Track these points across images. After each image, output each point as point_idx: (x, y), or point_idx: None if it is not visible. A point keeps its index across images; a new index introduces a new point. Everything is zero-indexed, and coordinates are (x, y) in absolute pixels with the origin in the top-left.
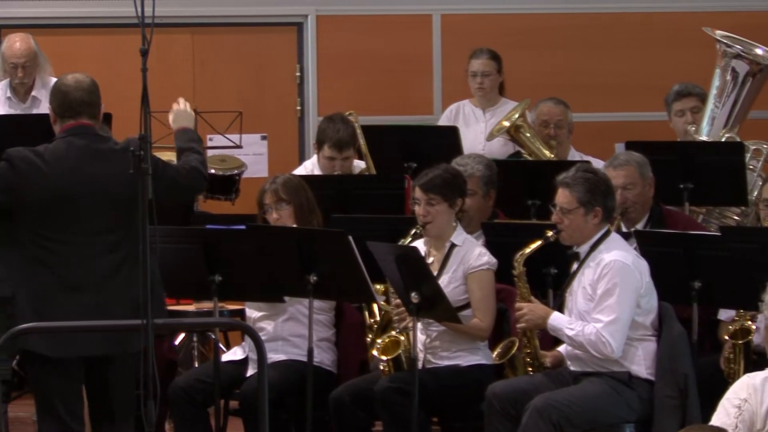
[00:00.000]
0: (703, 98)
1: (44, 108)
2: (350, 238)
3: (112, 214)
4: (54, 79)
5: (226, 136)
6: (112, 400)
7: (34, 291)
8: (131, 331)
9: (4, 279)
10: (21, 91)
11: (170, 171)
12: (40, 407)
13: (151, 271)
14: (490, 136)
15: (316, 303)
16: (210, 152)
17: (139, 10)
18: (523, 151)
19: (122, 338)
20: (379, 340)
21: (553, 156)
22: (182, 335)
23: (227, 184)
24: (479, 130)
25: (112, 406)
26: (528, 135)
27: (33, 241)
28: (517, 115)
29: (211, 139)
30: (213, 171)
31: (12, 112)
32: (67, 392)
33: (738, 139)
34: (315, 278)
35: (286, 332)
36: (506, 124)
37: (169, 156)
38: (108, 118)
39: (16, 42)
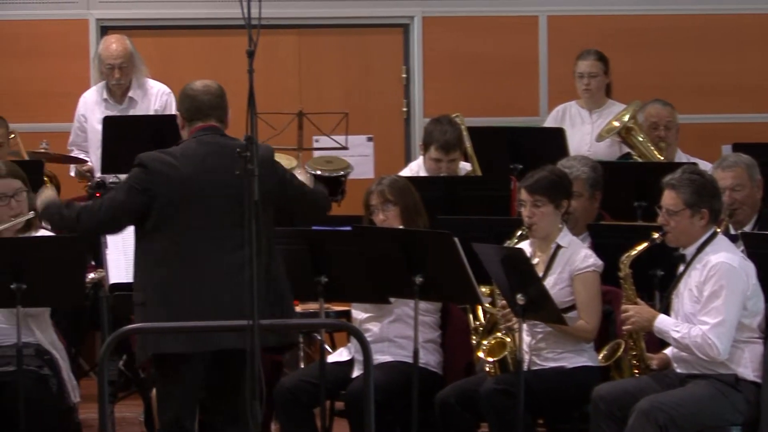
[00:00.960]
0: None
1: (141, 109)
2: (456, 239)
3: (237, 214)
4: (150, 80)
5: (332, 137)
6: (226, 394)
7: (167, 288)
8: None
9: (139, 286)
10: (117, 92)
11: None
12: (162, 401)
13: (276, 269)
14: (600, 138)
15: (422, 304)
16: (316, 153)
17: (246, 11)
18: (633, 153)
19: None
20: (485, 342)
21: (662, 158)
22: None
23: (333, 186)
24: (585, 132)
25: (228, 400)
26: (640, 138)
27: (160, 240)
28: (627, 117)
29: (317, 141)
30: (319, 172)
31: (108, 113)
32: (189, 389)
33: None
34: (421, 279)
35: (392, 333)
36: (616, 125)
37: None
38: None
39: (113, 43)
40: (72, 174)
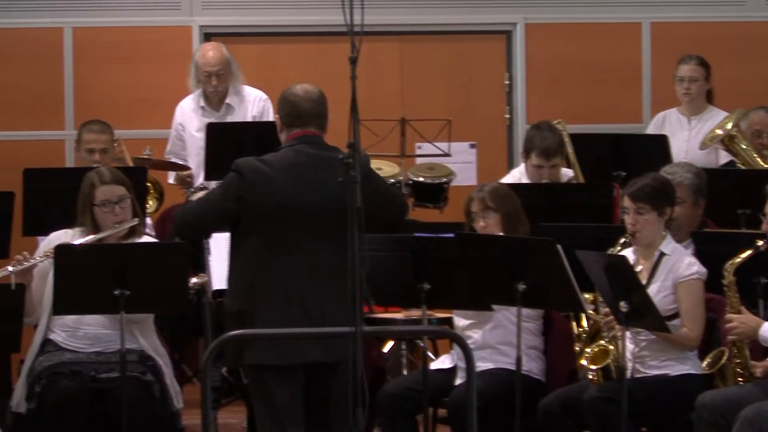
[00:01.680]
0: None
1: (238, 116)
2: (559, 246)
3: (334, 222)
4: (246, 87)
5: (435, 144)
6: (330, 408)
7: (261, 298)
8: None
9: (232, 295)
10: (214, 99)
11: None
12: (261, 411)
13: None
14: (703, 146)
15: (525, 311)
16: (418, 160)
17: (349, 18)
18: (736, 161)
19: (345, 346)
20: (587, 349)
21: (766, 165)
22: (391, 343)
23: (436, 192)
24: (683, 138)
25: (329, 413)
26: (743, 145)
27: (255, 249)
28: (730, 125)
29: (419, 147)
30: (422, 179)
31: (206, 120)
32: (288, 398)
33: None
34: (523, 287)
35: (494, 340)
36: (719, 133)
37: (378, 163)
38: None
39: (209, 51)
40: (171, 181)
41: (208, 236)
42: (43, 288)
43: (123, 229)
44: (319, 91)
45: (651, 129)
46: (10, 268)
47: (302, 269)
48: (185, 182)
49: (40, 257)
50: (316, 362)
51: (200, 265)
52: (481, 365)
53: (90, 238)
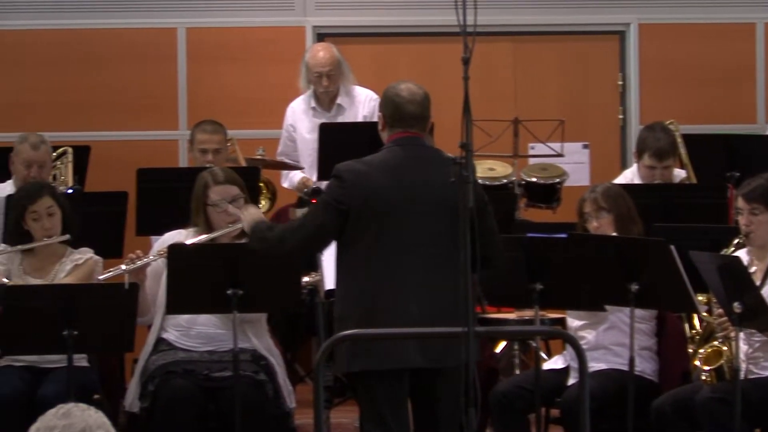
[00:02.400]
0: None
1: (349, 116)
2: (672, 247)
3: (436, 224)
4: (357, 87)
5: (548, 144)
6: (437, 412)
7: (364, 302)
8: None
9: (338, 300)
10: (325, 100)
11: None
12: (366, 416)
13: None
14: None
15: (638, 312)
16: (531, 161)
17: (462, 18)
18: None
19: (448, 352)
20: (701, 351)
21: None
22: (503, 343)
23: (549, 193)
24: None
25: (437, 417)
26: None
27: (358, 252)
28: None
29: (532, 148)
30: (534, 179)
31: (317, 121)
32: (394, 402)
33: None
34: (636, 287)
35: (607, 341)
36: None
37: (491, 164)
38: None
39: (320, 51)
40: (286, 185)
41: (321, 251)
42: (157, 287)
43: (236, 229)
44: (423, 92)
45: None
46: (123, 267)
47: (408, 271)
48: (306, 186)
49: (153, 256)
50: (422, 368)
51: (313, 264)
52: (594, 366)
53: (203, 237)
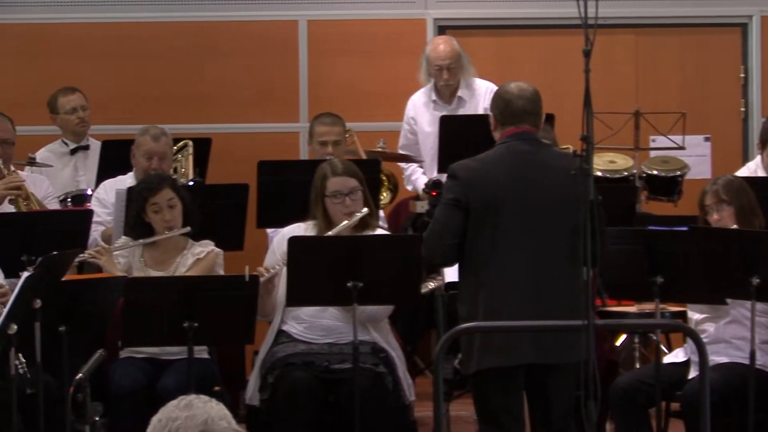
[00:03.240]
0: None
1: (469, 108)
2: None
3: (553, 218)
4: (477, 80)
5: (669, 137)
6: (551, 407)
7: (486, 301)
8: (573, 341)
9: (462, 300)
10: (446, 93)
11: None
12: (481, 410)
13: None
14: None
15: (759, 306)
16: (652, 153)
17: (583, 10)
18: None
19: (564, 348)
20: None
21: None
22: (624, 336)
23: (670, 186)
24: None
25: (550, 412)
26: None
27: (475, 248)
28: None
29: (653, 140)
30: (655, 172)
31: (437, 114)
32: (509, 398)
33: None
34: (758, 281)
35: (728, 335)
36: None
37: (611, 156)
38: (550, 118)
39: (440, 45)
40: (409, 188)
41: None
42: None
43: (354, 221)
44: (533, 89)
45: None
46: (263, 279)
47: (525, 267)
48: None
49: (278, 266)
50: (537, 363)
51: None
52: (715, 359)
53: (329, 234)
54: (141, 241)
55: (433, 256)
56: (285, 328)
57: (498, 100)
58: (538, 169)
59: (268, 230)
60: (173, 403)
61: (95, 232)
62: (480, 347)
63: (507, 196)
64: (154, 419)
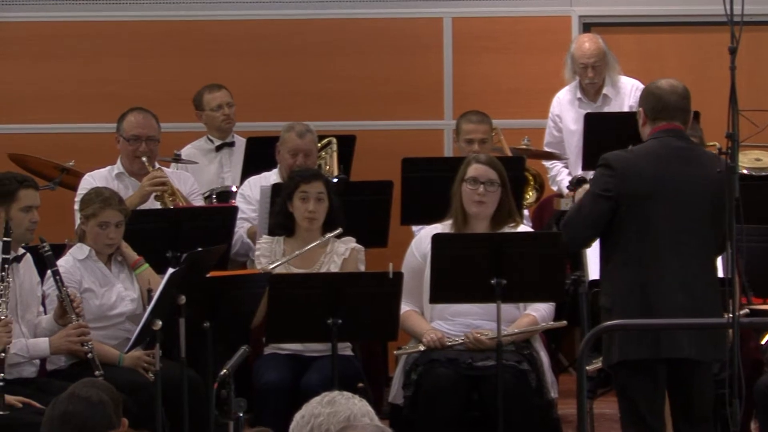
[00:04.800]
0: None
1: (614, 106)
2: None
3: (698, 215)
4: (622, 77)
5: None
6: (693, 401)
7: (628, 293)
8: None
9: (605, 291)
10: (591, 91)
11: None
12: (623, 406)
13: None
14: None
15: None
16: None
17: (728, 7)
18: None
19: (709, 345)
20: None
21: None
22: None
23: None
24: None
25: (692, 406)
26: None
27: (622, 242)
28: None
29: None
30: None
31: (582, 111)
32: (651, 392)
33: None
34: None
35: None
36: None
37: (757, 154)
38: (697, 116)
39: (585, 42)
40: (554, 189)
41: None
42: (414, 282)
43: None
44: (683, 86)
45: None
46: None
47: (670, 262)
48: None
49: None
50: (680, 359)
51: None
52: None
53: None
54: (297, 252)
55: (570, 244)
56: (432, 325)
57: (649, 95)
58: (689, 165)
59: (413, 227)
60: (317, 399)
61: (240, 228)
62: (623, 337)
63: (658, 190)
64: (297, 416)
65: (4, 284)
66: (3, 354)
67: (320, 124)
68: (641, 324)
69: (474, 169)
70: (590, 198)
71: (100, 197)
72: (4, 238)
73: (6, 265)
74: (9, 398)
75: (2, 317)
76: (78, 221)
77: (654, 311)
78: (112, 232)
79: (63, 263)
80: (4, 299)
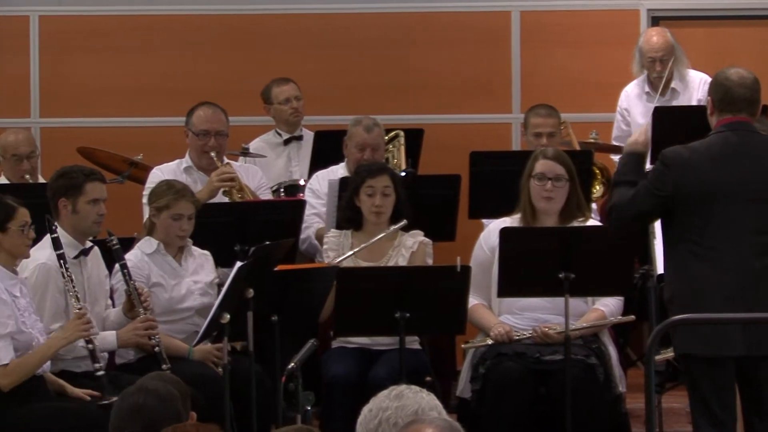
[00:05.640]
0: None
1: (683, 100)
2: None
3: (761, 211)
4: (690, 71)
5: None
6: (761, 397)
7: (688, 289)
8: None
9: (667, 282)
10: (659, 84)
11: None
12: (693, 400)
13: None
14: None
15: None
16: None
17: None
18: None
19: None
20: None
21: None
22: None
23: None
24: None
25: (761, 402)
26: None
27: (684, 237)
28: None
29: None
30: None
31: (650, 105)
32: (720, 388)
33: None
34: None
35: None
36: None
37: None
38: (765, 110)
39: (653, 36)
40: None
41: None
42: (481, 276)
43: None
44: (753, 76)
45: None
46: None
47: (733, 257)
48: None
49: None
50: (747, 355)
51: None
52: None
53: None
54: (363, 246)
55: (613, 227)
56: (500, 319)
57: (717, 86)
58: (752, 160)
59: (483, 220)
60: (384, 393)
61: (309, 228)
62: (690, 331)
63: (718, 188)
64: (365, 409)
65: (66, 278)
66: (91, 345)
67: (388, 118)
68: (707, 318)
69: (541, 165)
70: (644, 191)
71: (173, 189)
72: (52, 236)
73: (61, 261)
74: (77, 391)
75: (77, 309)
76: (146, 215)
77: (711, 306)
78: (185, 224)
79: (131, 257)
80: (72, 294)
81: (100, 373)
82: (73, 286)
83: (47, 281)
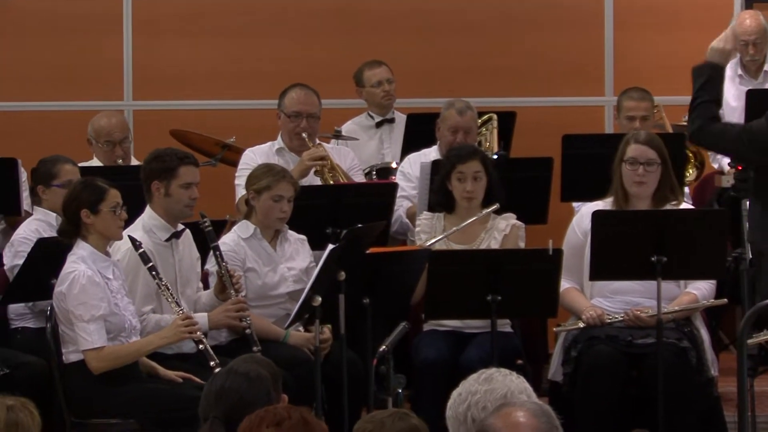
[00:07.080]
0: None
1: None
2: None
3: None
4: None
5: None
6: None
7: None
8: None
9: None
10: (752, 68)
11: None
12: None
13: None
14: None
15: None
16: None
17: None
18: None
19: None
20: None
21: None
22: None
23: None
24: None
25: None
26: None
27: None
28: None
29: None
30: None
31: (743, 89)
32: None
33: None
34: None
35: None
36: None
37: None
38: None
39: (746, 19)
40: (715, 166)
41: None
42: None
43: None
44: None
45: None
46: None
47: None
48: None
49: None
50: None
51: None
52: None
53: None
54: (454, 228)
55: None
56: (592, 302)
57: None
58: None
59: (575, 204)
60: (474, 376)
61: (400, 208)
62: None
63: None
64: (455, 393)
65: (155, 273)
66: (202, 346)
67: (480, 101)
68: None
69: (633, 150)
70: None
71: (273, 170)
72: (129, 235)
73: (144, 256)
74: (169, 373)
75: (181, 311)
76: (238, 196)
77: None
78: (285, 206)
79: (228, 241)
80: (164, 294)
81: (218, 370)
82: (161, 278)
83: (138, 264)
